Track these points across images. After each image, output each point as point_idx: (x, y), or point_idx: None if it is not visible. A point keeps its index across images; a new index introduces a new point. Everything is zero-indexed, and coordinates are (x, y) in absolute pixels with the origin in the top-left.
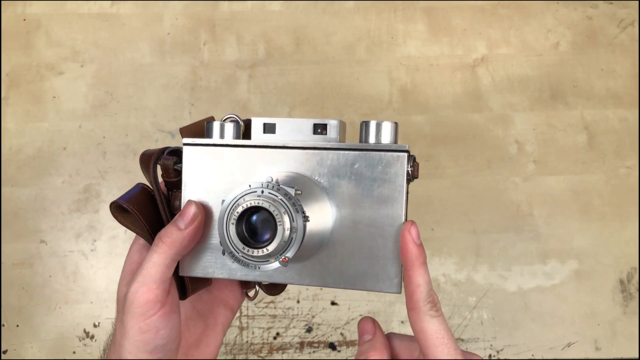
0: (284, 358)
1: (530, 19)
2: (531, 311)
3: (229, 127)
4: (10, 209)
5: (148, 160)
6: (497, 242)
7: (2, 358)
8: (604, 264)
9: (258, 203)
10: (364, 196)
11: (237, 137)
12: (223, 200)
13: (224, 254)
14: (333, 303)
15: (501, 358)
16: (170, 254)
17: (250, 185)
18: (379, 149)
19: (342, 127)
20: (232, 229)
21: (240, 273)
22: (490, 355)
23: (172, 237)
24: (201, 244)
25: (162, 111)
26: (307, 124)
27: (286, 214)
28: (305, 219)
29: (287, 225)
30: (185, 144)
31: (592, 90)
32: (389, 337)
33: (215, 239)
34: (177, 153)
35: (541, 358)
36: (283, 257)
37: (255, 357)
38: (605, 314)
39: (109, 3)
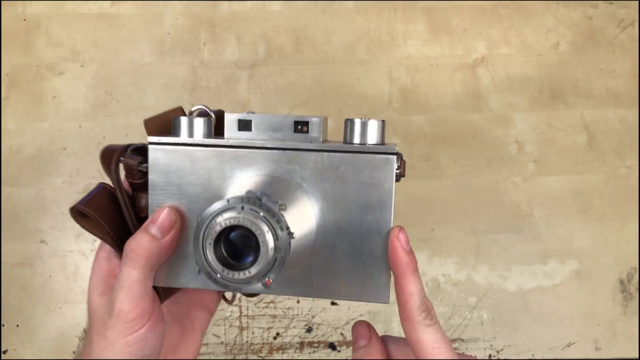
0: (284, 358)
1: (530, 19)
2: (531, 311)
3: (199, 123)
4: (10, 209)
5: (109, 158)
6: (497, 242)
7: (2, 358)
8: (604, 264)
9: (238, 222)
10: (349, 201)
11: (207, 134)
12: (198, 216)
13: (199, 272)
14: (333, 303)
15: (501, 358)
16: (147, 266)
17: (228, 200)
18: (366, 151)
19: (325, 124)
20: (210, 250)
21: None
22: (490, 355)
23: (149, 248)
24: (173, 252)
25: (162, 111)
26: (287, 121)
27: (269, 233)
28: (290, 236)
29: (271, 245)
30: (150, 143)
31: (592, 90)
32: (384, 341)
33: (188, 245)
34: (142, 151)
35: (541, 358)
36: (267, 279)
37: (255, 357)
38: (605, 314)
39: (109, 3)
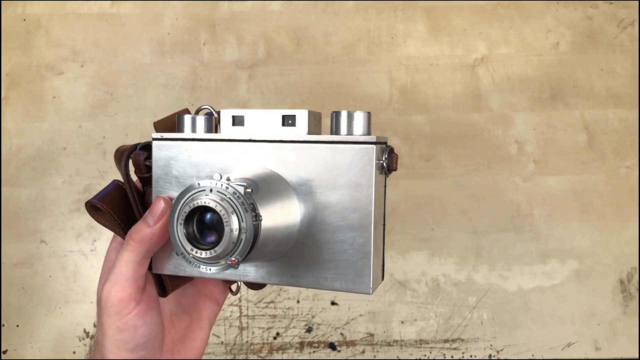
0: (284, 358)
1: (530, 19)
2: (531, 311)
3: (200, 121)
4: (10, 209)
5: (121, 156)
6: (497, 242)
7: (2, 358)
8: (604, 264)
9: (205, 203)
10: (332, 191)
11: (209, 129)
12: (172, 199)
13: (177, 254)
14: (333, 303)
15: (501, 358)
16: (140, 251)
17: (199, 184)
18: (347, 141)
19: (314, 117)
20: (180, 230)
21: (211, 271)
22: (490, 355)
23: (142, 234)
24: (168, 240)
25: (162, 111)
26: (276, 115)
27: (234, 214)
28: (257, 218)
29: (235, 225)
30: (154, 139)
31: (592, 90)
32: None
33: None
34: (148, 148)
35: (541, 358)
36: (232, 259)
37: (255, 357)
38: (605, 314)
39: (109, 3)
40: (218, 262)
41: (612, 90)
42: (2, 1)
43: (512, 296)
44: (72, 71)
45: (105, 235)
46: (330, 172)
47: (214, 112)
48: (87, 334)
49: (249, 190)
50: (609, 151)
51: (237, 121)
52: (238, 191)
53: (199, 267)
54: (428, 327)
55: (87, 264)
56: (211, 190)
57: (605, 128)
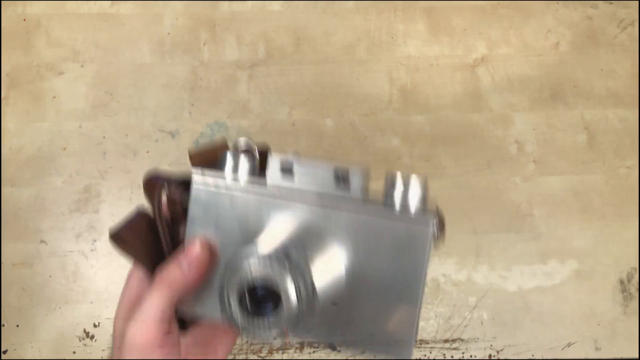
0: (284, 358)
1: (530, 19)
2: (531, 311)
3: (244, 163)
4: (10, 209)
5: (153, 188)
6: (497, 242)
7: (2, 358)
8: (604, 264)
9: (262, 272)
10: (380, 260)
11: (251, 172)
12: (227, 260)
13: (222, 313)
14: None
15: (501, 358)
16: (170, 295)
17: (255, 248)
18: (404, 220)
19: (366, 176)
20: (233, 296)
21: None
22: (490, 355)
23: (174, 277)
24: (205, 284)
25: (162, 111)
26: (328, 171)
27: (292, 285)
28: (313, 292)
29: (293, 297)
30: (195, 183)
31: (592, 90)
32: None
33: (216, 278)
34: (185, 184)
35: (541, 358)
36: (284, 327)
37: (255, 357)
38: (605, 314)
39: (109, 3)
40: (269, 332)
41: (612, 90)
42: (2, 1)
43: (512, 296)
44: (72, 71)
45: (105, 236)
46: (382, 243)
47: (254, 151)
48: (87, 333)
49: (309, 260)
50: (609, 151)
51: (286, 171)
52: (296, 261)
53: (246, 330)
54: (428, 327)
55: (87, 264)
56: (269, 257)
57: (605, 128)
